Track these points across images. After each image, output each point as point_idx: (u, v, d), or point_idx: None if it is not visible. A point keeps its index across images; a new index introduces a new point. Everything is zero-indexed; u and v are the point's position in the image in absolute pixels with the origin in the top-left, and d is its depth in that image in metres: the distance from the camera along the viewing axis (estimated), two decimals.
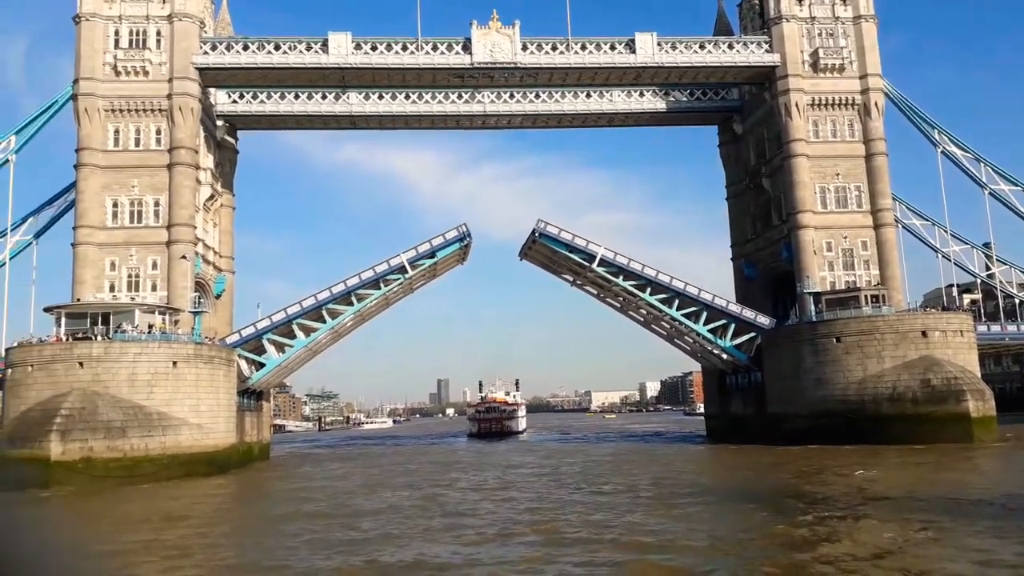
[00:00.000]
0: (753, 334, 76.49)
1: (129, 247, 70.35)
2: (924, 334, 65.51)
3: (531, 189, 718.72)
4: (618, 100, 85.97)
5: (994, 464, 48.95)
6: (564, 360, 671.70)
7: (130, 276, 70.00)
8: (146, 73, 72.20)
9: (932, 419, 60.95)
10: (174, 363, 59.78)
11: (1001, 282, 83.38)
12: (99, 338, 59.14)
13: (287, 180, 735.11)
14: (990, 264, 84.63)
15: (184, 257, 69.30)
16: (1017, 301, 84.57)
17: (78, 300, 66.24)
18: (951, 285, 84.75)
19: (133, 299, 67.60)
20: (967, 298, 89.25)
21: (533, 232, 79.39)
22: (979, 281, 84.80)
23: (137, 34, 72.81)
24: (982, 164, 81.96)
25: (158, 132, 72.19)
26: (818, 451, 58.91)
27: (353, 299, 75.70)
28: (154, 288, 69.87)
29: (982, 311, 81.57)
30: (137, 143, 72.06)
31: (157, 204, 71.18)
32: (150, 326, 62.15)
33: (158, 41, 72.86)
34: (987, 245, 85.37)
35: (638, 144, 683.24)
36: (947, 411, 61.26)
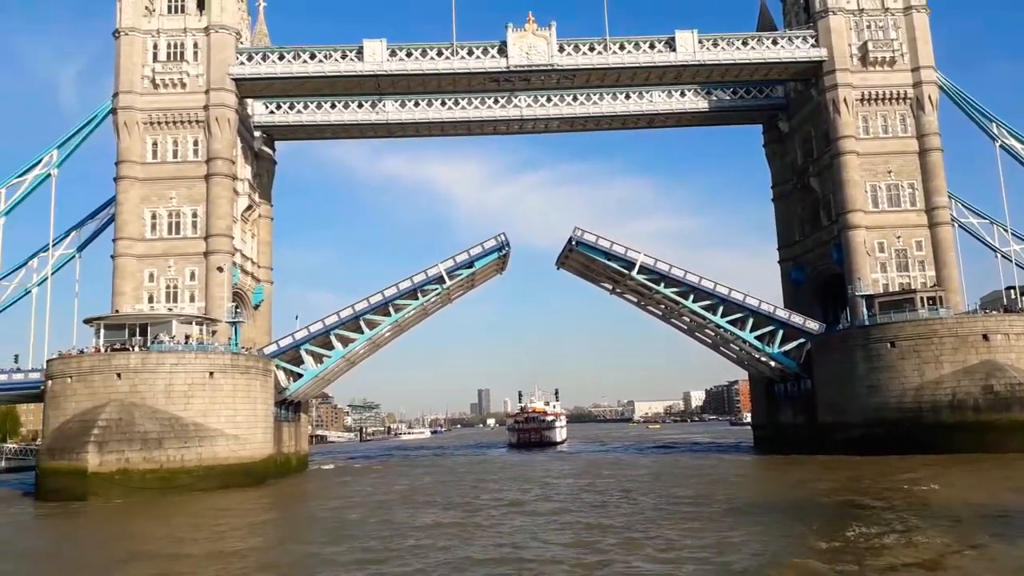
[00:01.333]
0: (802, 340, 73.64)
1: (167, 258, 70.52)
2: (985, 337, 62.15)
3: (571, 196, 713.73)
4: (658, 100, 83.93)
5: None
6: (606, 369, 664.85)
7: (168, 287, 70.13)
8: (183, 85, 72.49)
9: (996, 427, 57.66)
10: (211, 373, 59.52)
11: None
12: (136, 349, 59.24)
13: (331, 192, 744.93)
14: None
15: (220, 268, 69.12)
16: None
17: (117, 311, 66.49)
18: (1011, 287, 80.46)
19: (171, 310, 67.66)
20: None
21: (570, 240, 77.67)
22: None
23: (175, 47, 73.19)
24: None
25: (195, 143, 72.38)
26: (876, 462, 55.97)
27: (391, 310, 74.91)
28: (192, 299, 69.91)
29: None
30: (175, 155, 72.34)
31: (195, 215, 71.30)
32: (187, 336, 62.08)
33: (195, 53, 73.14)
34: None
35: (679, 148, 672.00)
36: (1012, 419, 57.88)
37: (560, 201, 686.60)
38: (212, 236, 70.31)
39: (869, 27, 77.39)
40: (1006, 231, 77.55)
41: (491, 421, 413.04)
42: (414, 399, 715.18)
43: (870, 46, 76.08)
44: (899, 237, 74.07)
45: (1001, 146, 77.92)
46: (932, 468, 49.37)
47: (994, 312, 67.41)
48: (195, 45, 73.37)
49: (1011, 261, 76.88)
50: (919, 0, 77.69)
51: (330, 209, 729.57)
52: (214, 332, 66.14)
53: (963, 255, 75.02)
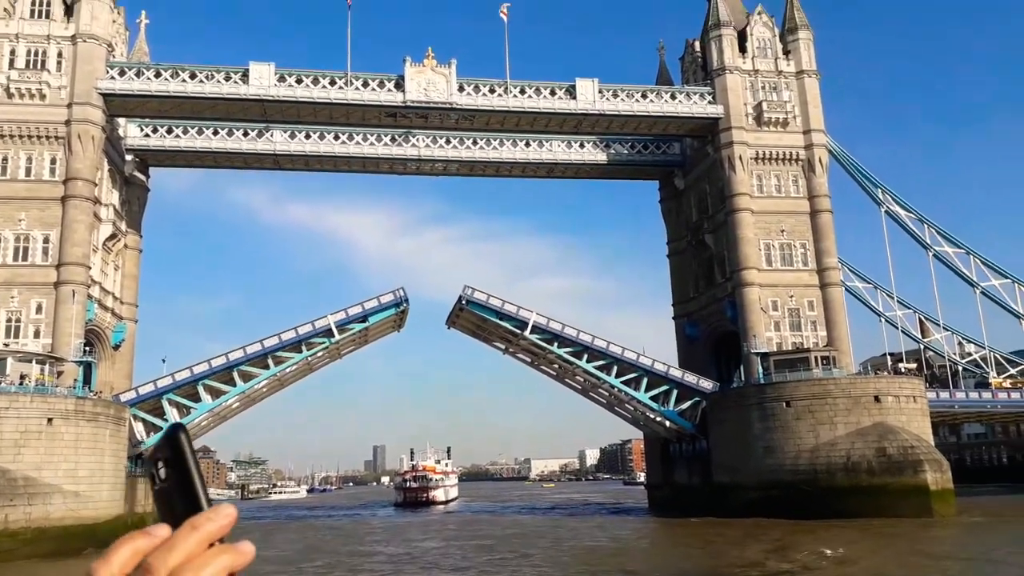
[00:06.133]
0: (697, 399, 71.90)
1: (11, 287, 62.44)
2: (877, 399, 61.86)
3: (477, 253, 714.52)
4: (558, 150, 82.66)
5: (968, 542, 44.69)
6: (504, 428, 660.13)
7: (9, 320, 61.92)
8: (43, 96, 65.47)
9: (889, 491, 56.76)
10: (49, 420, 52.06)
11: (945, 350, 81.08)
12: None
13: (232, 240, 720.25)
14: (926, 331, 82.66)
15: (72, 293, 61.55)
16: (960, 368, 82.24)
17: None
18: (893, 353, 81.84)
19: (7, 346, 59.50)
20: (901, 367, 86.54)
21: (460, 299, 73.96)
22: (921, 347, 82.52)
23: (36, 55, 66.24)
24: (926, 225, 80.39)
25: (53, 161, 65.20)
26: (770, 525, 53.86)
27: (270, 362, 68.69)
28: (37, 335, 61.88)
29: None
30: (28, 172, 64.92)
31: (47, 241, 63.74)
32: (22, 376, 54.34)
33: (59, 63, 66.39)
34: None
35: (583, 210, 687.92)
36: (904, 483, 57.21)
37: (466, 257, 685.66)
38: (65, 264, 62.77)
39: (764, 88, 78.51)
40: (891, 297, 79.06)
41: (385, 479, 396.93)
42: (305, 455, 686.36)
43: (764, 106, 77.02)
44: (792, 296, 74.10)
45: (886, 212, 79.98)
46: (831, 533, 47.40)
47: (884, 373, 67.70)
48: (59, 54, 66.64)
49: (896, 327, 78.21)
50: (810, 65, 79.62)
51: (230, 256, 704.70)
52: (59, 373, 58.46)
53: (848, 318, 75.88)
